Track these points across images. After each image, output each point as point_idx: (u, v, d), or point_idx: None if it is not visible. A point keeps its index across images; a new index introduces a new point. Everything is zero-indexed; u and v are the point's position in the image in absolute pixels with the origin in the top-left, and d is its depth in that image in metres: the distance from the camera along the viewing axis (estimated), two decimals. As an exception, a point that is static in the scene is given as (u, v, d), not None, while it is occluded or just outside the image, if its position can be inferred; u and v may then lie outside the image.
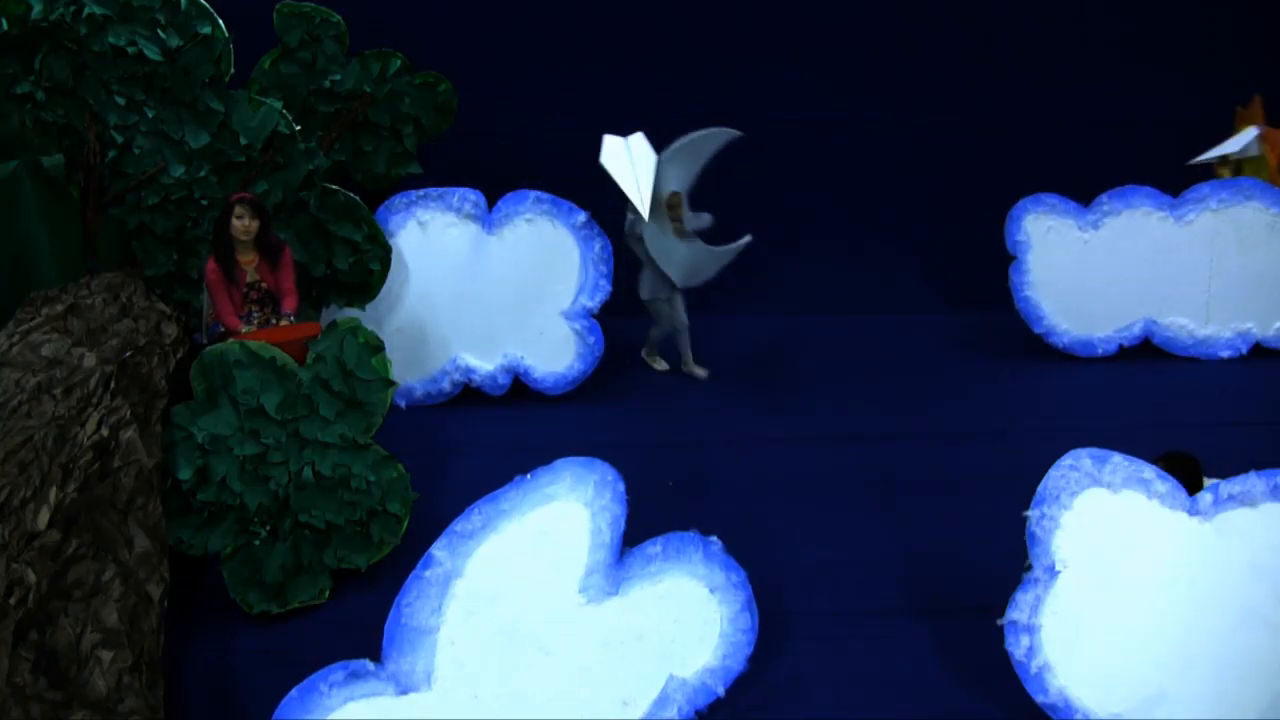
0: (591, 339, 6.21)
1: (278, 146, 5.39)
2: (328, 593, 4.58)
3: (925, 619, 4.36)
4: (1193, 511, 3.73)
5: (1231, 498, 3.71)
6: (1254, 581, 3.66)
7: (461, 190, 6.18)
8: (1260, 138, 6.86)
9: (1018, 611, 3.72)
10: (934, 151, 7.48)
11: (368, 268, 5.78)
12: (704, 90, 7.43)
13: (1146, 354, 6.70)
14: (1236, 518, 3.71)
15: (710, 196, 7.32)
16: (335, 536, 4.57)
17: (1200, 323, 6.66)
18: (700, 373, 6.28)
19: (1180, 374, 6.51)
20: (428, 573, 3.66)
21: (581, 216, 6.16)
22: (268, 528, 4.50)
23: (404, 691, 3.55)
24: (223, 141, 5.32)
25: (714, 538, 3.93)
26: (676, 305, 6.19)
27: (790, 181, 7.47)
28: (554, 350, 6.28)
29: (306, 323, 5.19)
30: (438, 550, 3.68)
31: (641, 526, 3.86)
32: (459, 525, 3.72)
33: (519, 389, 6.34)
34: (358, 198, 5.69)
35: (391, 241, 5.97)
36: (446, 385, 6.33)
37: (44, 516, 3.38)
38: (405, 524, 4.65)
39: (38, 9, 5.02)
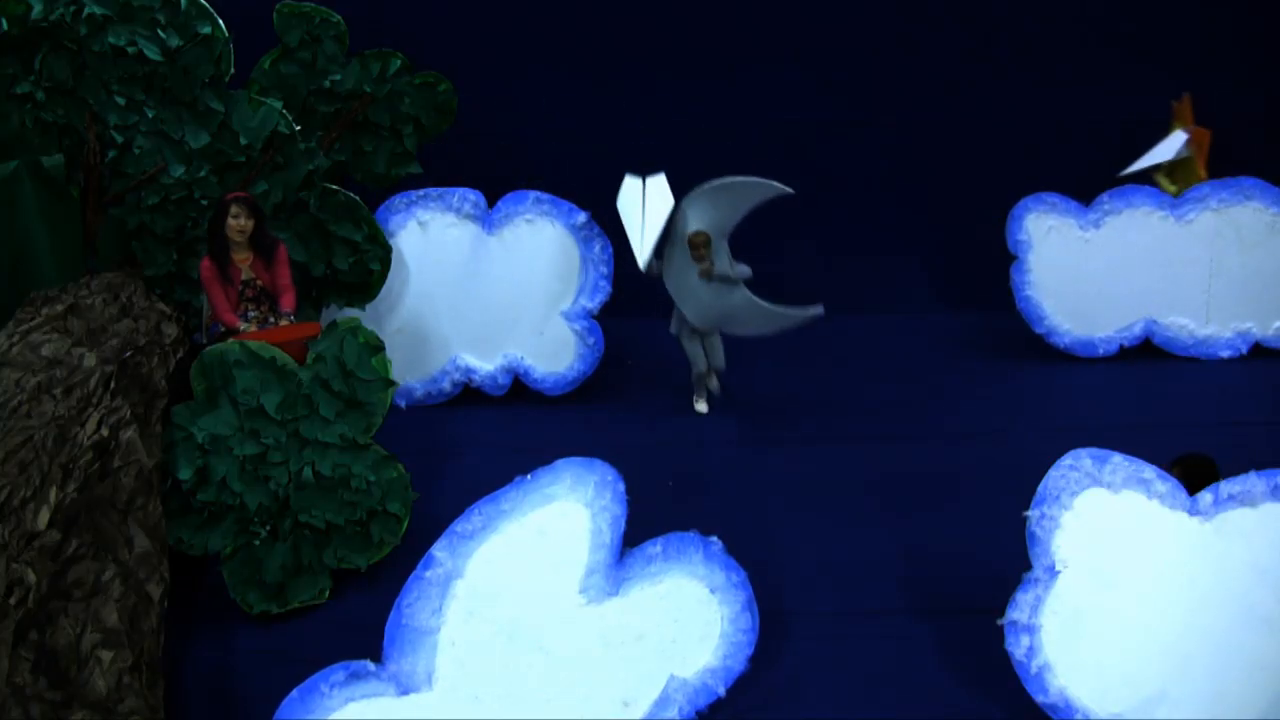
0: (592, 340, 6.21)
1: (278, 146, 5.38)
2: (328, 593, 4.58)
3: (925, 619, 4.36)
4: (1193, 511, 3.73)
5: (1231, 498, 3.71)
6: (1254, 581, 3.66)
7: (461, 190, 6.18)
8: (1188, 141, 6.86)
9: (1018, 611, 3.72)
10: (934, 151, 7.47)
11: (368, 268, 5.78)
12: (704, 90, 7.43)
13: (1147, 354, 6.70)
14: (1236, 518, 3.71)
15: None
16: (335, 536, 4.57)
17: (1200, 322, 6.65)
18: (712, 384, 6.04)
19: (1180, 374, 6.50)
20: (428, 573, 3.67)
21: (581, 217, 6.16)
22: (268, 528, 4.50)
23: (405, 692, 3.55)
24: (223, 141, 5.32)
25: (714, 538, 3.93)
26: (714, 345, 5.85)
27: (790, 181, 7.44)
28: (554, 351, 6.28)
29: (306, 323, 5.19)
30: (438, 550, 3.69)
31: (641, 526, 3.86)
32: (459, 525, 3.72)
33: (519, 389, 6.34)
34: (358, 198, 5.69)
35: (391, 241, 5.97)
36: (446, 385, 6.33)
37: (44, 516, 3.38)
38: (405, 524, 4.65)
39: (38, 9, 5.02)
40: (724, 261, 5.50)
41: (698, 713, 3.73)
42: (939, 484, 5.31)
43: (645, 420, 6.05)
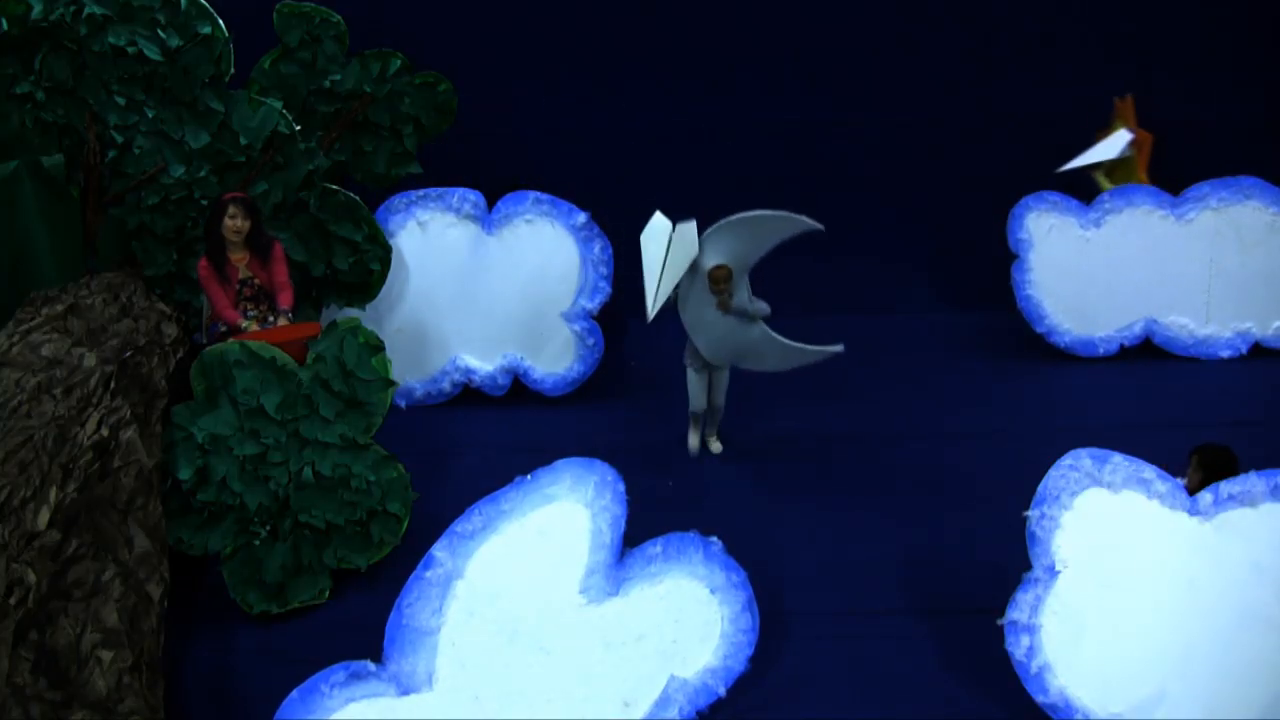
0: (591, 340, 6.21)
1: (278, 146, 5.38)
2: (328, 593, 4.58)
3: (925, 619, 4.37)
4: (1193, 511, 3.73)
5: (1231, 498, 3.71)
6: (1254, 581, 3.66)
7: (461, 190, 6.18)
8: (1131, 141, 6.86)
9: (1018, 611, 3.73)
10: (934, 151, 7.47)
11: (368, 268, 5.78)
12: (704, 90, 7.43)
13: (1147, 354, 6.70)
14: (1236, 518, 3.71)
15: (710, 197, 7.34)
16: (335, 536, 4.57)
17: (1200, 322, 6.66)
18: (715, 447, 5.70)
19: (1180, 374, 6.51)
20: (428, 573, 3.67)
21: (581, 217, 6.16)
22: (268, 528, 4.50)
23: (405, 692, 3.55)
24: (223, 141, 5.32)
25: (714, 538, 3.93)
26: (720, 382, 5.52)
27: (790, 181, 7.45)
28: (554, 351, 6.28)
29: (306, 322, 5.19)
30: (438, 551, 3.69)
31: (642, 527, 3.86)
32: (459, 526, 3.72)
33: (519, 389, 6.34)
34: (357, 198, 5.69)
35: (391, 241, 5.97)
36: (446, 385, 6.33)
37: (44, 516, 3.38)
38: (405, 524, 4.65)
39: (38, 9, 5.02)
40: (743, 296, 5.24)
41: (698, 713, 3.73)
42: (939, 484, 5.31)
43: (646, 420, 6.05)
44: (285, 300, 5.07)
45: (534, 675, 3.64)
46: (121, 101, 5.22)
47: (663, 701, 3.69)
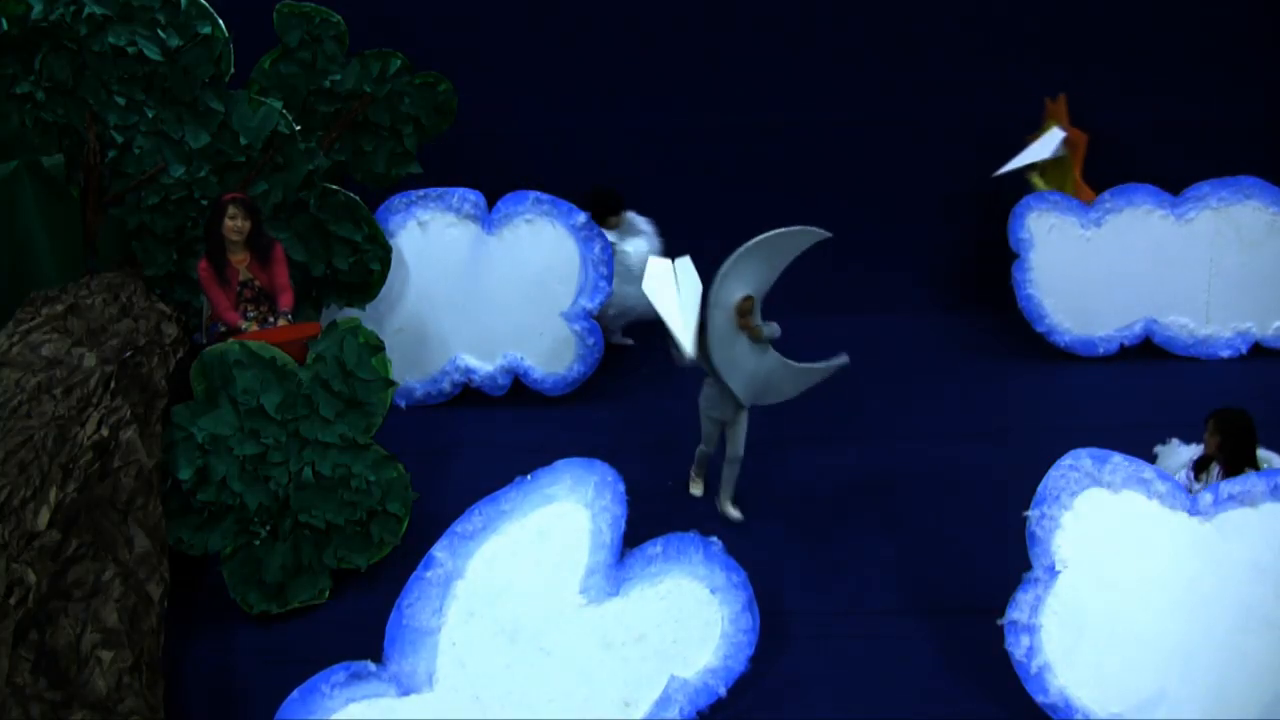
0: (591, 340, 6.21)
1: (278, 146, 5.38)
2: (328, 593, 4.58)
3: (925, 619, 4.37)
4: (1193, 511, 3.73)
5: (1231, 498, 3.72)
6: (1254, 581, 3.66)
7: (461, 190, 6.18)
8: (1065, 140, 6.86)
9: (1018, 611, 3.73)
10: (935, 151, 7.47)
11: (368, 268, 5.78)
12: (704, 90, 7.42)
13: (1147, 353, 6.70)
14: (1236, 518, 3.71)
15: (710, 197, 7.34)
16: (335, 536, 4.57)
17: (1200, 322, 6.66)
18: (734, 514, 5.09)
19: (1180, 374, 6.51)
20: (429, 573, 3.67)
21: (581, 217, 6.16)
22: (268, 528, 4.50)
23: (406, 692, 3.56)
24: (223, 141, 5.32)
25: (714, 538, 3.93)
26: (738, 430, 4.99)
27: (790, 181, 7.46)
28: (554, 351, 6.28)
29: (306, 323, 5.19)
30: (439, 551, 3.69)
31: (642, 527, 3.86)
32: (460, 526, 3.72)
33: (519, 389, 6.34)
34: (357, 198, 5.69)
35: (391, 241, 5.97)
36: (446, 385, 6.33)
37: (44, 516, 3.38)
38: (405, 524, 4.65)
39: (38, 9, 5.01)
40: (756, 319, 4.93)
41: (698, 713, 3.74)
42: (939, 484, 5.31)
43: (646, 420, 6.05)
44: (285, 303, 5.07)
45: (534, 675, 3.64)
46: (121, 101, 5.22)
47: (663, 701, 3.70)
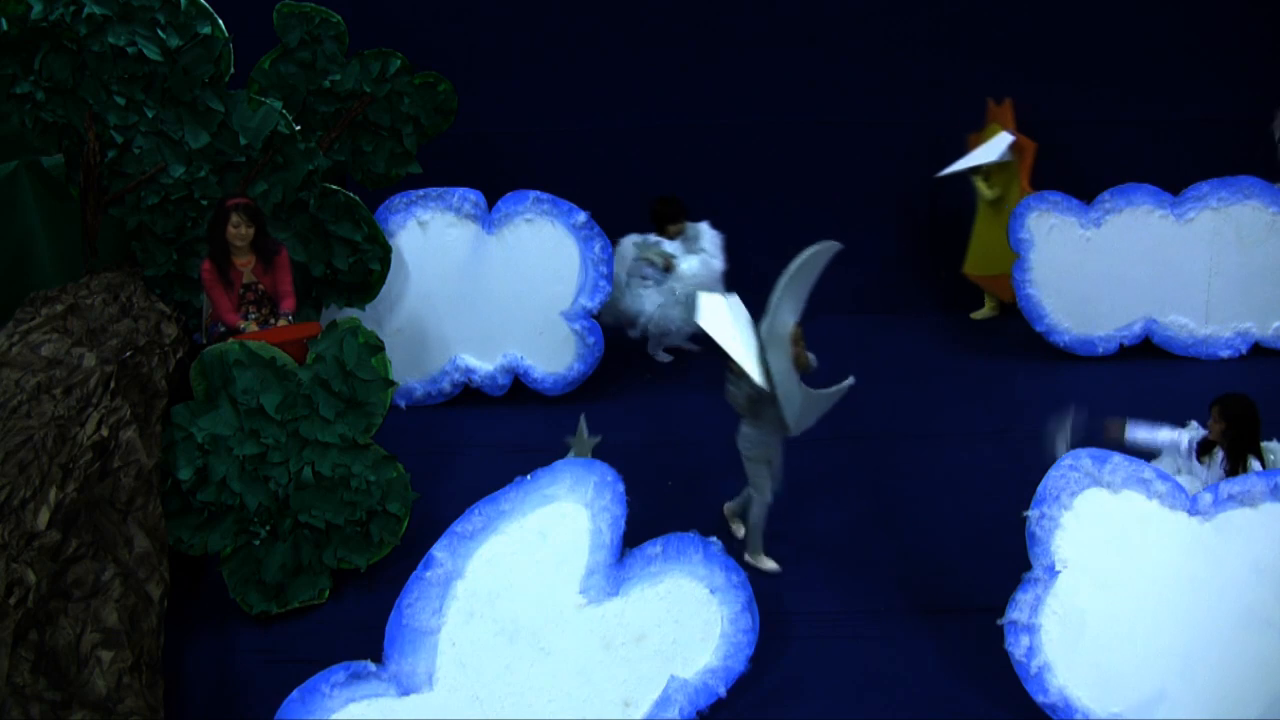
0: (591, 339, 6.21)
1: (278, 146, 5.38)
2: (328, 593, 4.58)
3: (925, 619, 4.37)
4: (1193, 511, 3.73)
5: (1231, 498, 3.72)
6: (1254, 581, 3.66)
7: (461, 190, 6.18)
8: (1013, 145, 6.83)
9: (1018, 611, 3.73)
10: (935, 151, 7.47)
11: (368, 268, 5.78)
12: (704, 90, 7.43)
13: (1147, 353, 6.70)
14: (1236, 518, 3.71)
15: (709, 196, 7.33)
16: (335, 536, 4.57)
17: (1200, 322, 6.66)
18: (769, 566, 4.77)
19: (1180, 374, 6.51)
20: (428, 573, 3.66)
21: (581, 216, 6.16)
22: (268, 528, 4.50)
23: (405, 692, 3.55)
24: (223, 141, 5.32)
25: (714, 538, 3.93)
26: (777, 466, 4.79)
27: (789, 181, 7.47)
28: (554, 351, 6.28)
29: (306, 323, 5.19)
30: (438, 551, 3.68)
31: (642, 527, 3.86)
32: (459, 526, 3.72)
33: (519, 389, 6.34)
34: (357, 198, 5.69)
35: (391, 241, 5.97)
36: (446, 385, 6.33)
37: (44, 516, 3.38)
38: (405, 524, 4.65)
39: (38, 9, 5.01)
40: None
41: (698, 713, 3.74)
42: (939, 484, 5.31)
43: (645, 421, 6.05)
44: (288, 307, 5.12)
45: (534, 675, 3.64)
46: (121, 101, 5.21)
47: (663, 702, 3.70)
